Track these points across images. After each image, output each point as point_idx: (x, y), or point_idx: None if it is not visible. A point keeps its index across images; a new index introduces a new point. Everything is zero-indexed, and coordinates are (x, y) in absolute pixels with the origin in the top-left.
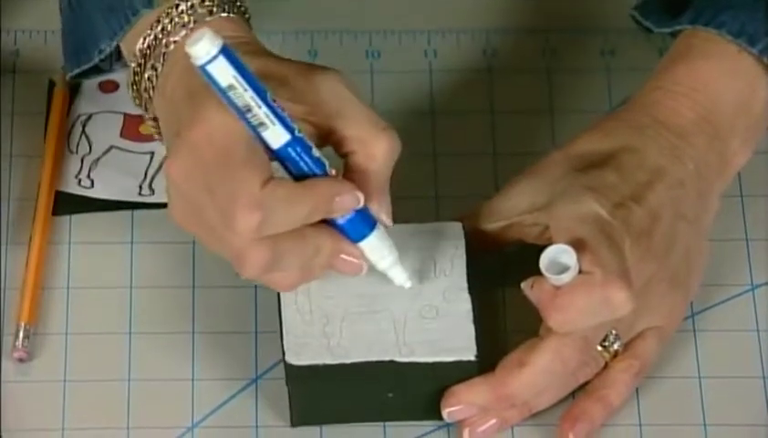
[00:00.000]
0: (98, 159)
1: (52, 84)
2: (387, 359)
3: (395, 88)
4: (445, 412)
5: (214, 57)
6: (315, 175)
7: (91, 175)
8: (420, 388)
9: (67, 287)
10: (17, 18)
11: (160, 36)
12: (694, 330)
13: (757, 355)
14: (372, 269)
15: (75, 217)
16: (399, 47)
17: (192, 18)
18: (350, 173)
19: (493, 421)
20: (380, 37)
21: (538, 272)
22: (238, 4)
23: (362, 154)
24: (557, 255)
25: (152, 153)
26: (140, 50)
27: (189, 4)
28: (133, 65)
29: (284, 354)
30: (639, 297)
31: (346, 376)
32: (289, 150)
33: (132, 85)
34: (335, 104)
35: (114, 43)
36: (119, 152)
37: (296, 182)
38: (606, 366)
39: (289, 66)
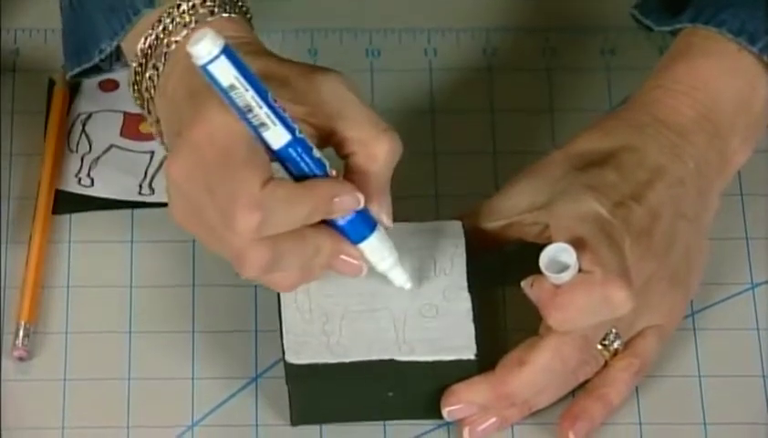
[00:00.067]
0: (98, 158)
1: (52, 83)
2: (387, 357)
3: (395, 87)
4: (445, 411)
5: (216, 57)
6: (315, 176)
7: (91, 174)
8: (420, 387)
9: (67, 286)
10: (17, 17)
11: (162, 35)
12: (694, 329)
13: (757, 354)
14: (372, 270)
15: (75, 216)
16: (399, 46)
17: (193, 18)
18: (351, 174)
19: (493, 419)
20: (380, 36)
21: (538, 271)
22: (240, 4)
23: (363, 155)
24: (557, 254)
25: (152, 152)
26: (142, 50)
27: (190, 3)
28: (134, 64)
29: (283, 353)
30: (639, 296)
31: (345, 375)
32: (290, 150)
33: (133, 84)
34: (336, 105)
35: (115, 42)
36: (119, 151)
37: (297, 182)
38: (606, 364)
39: (290, 66)
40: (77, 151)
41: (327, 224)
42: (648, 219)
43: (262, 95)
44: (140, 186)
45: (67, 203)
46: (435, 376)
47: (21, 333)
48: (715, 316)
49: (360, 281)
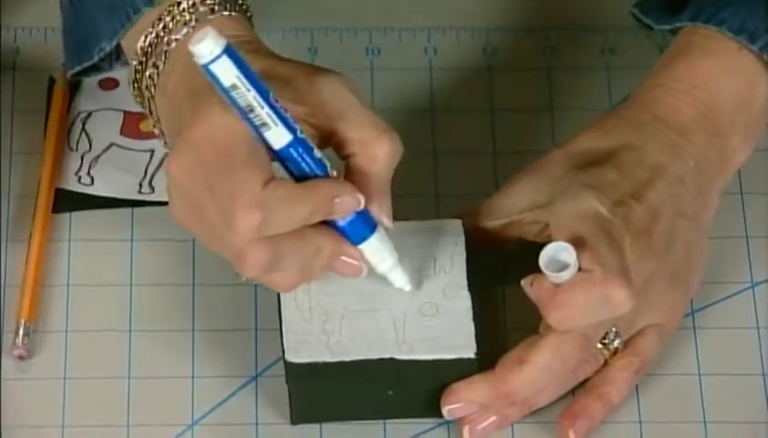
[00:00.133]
0: (98, 156)
1: (52, 81)
2: (386, 356)
3: (395, 86)
4: (445, 410)
5: (218, 57)
6: (316, 176)
7: (91, 172)
8: (420, 385)
9: (67, 285)
10: (17, 16)
11: (162, 34)
12: (694, 328)
13: (757, 352)
14: (372, 270)
15: (75, 214)
16: (399, 45)
17: (193, 16)
18: (351, 175)
19: (493, 418)
20: (380, 35)
21: (538, 270)
22: (240, 2)
23: (363, 156)
24: (557, 253)
25: (152, 151)
26: (142, 48)
27: (191, 2)
28: (135, 63)
29: (283, 352)
30: (639, 295)
31: (345, 374)
32: (291, 150)
33: (134, 83)
34: (337, 106)
35: (115, 41)
36: (119, 150)
37: (297, 182)
38: (605, 363)
39: (292, 66)
40: (77, 149)
41: (328, 224)
42: (649, 218)
43: (263, 95)
44: (140, 185)
45: (67, 201)
46: (435, 375)
47: (21, 332)
48: (715, 314)
49: (360, 280)
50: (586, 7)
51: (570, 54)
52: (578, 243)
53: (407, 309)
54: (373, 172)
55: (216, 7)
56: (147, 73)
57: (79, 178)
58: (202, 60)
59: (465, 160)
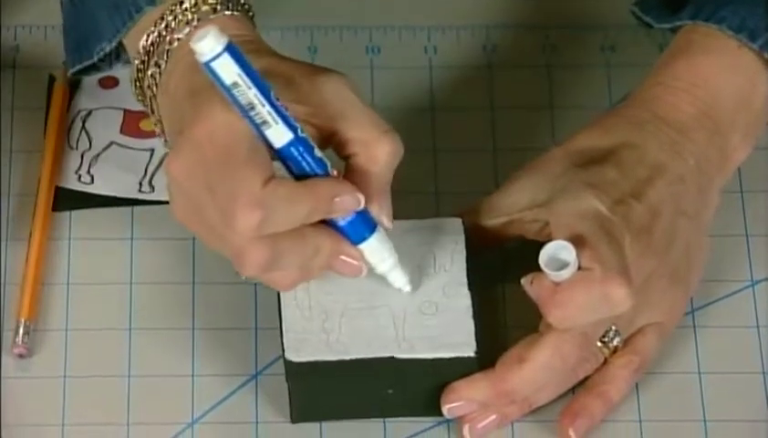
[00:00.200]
0: (98, 155)
1: (52, 79)
2: (386, 355)
3: (395, 85)
4: (445, 408)
5: (219, 55)
6: (316, 175)
7: (91, 171)
8: (420, 384)
9: (67, 283)
10: (17, 14)
11: (164, 33)
12: (694, 326)
13: (757, 351)
14: (371, 272)
15: (75, 213)
16: (399, 43)
17: (195, 16)
18: (352, 175)
19: (493, 416)
20: (380, 33)
21: (538, 268)
22: (242, 1)
23: (364, 156)
24: (557, 252)
25: (152, 150)
26: (144, 47)
27: (193, 1)
28: (136, 62)
29: (283, 351)
30: (639, 294)
31: (345, 372)
32: (292, 149)
33: (135, 82)
34: (338, 106)
35: (116, 40)
36: (119, 149)
37: (298, 181)
38: (605, 362)
39: (293, 66)
40: (77, 148)
41: (328, 224)
42: (648, 216)
43: (264, 93)
44: (140, 184)
45: (67, 200)
46: (435, 373)
47: (21, 330)
48: (715, 313)
49: (360, 279)
50: (586, 5)
51: (570, 52)
52: (578, 241)
53: (407, 307)
54: (374, 172)
55: (218, 7)
56: (149, 72)
57: (79, 176)
58: (204, 58)
59: (465, 158)
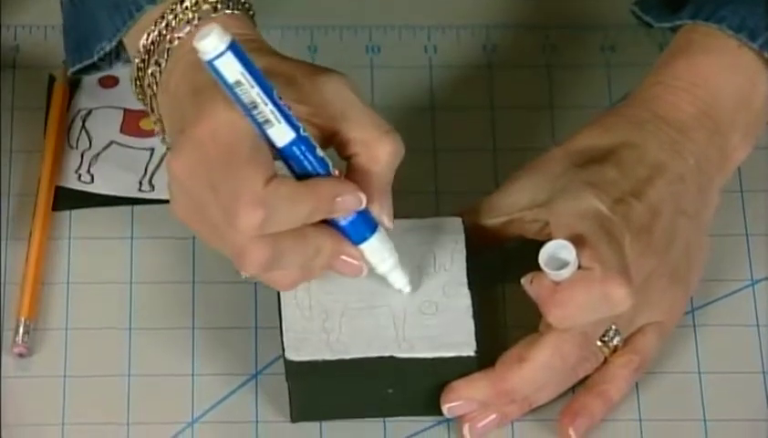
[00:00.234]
0: (98, 154)
1: (52, 79)
2: (386, 354)
3: (395, 84)
4: (445, 408)
5: (222, 53)
6: (318, 175)
7: (91, 170)
8: (420, 383)
9: (67, 283)
10: (17, 14)
11: (165, 32)
12: (694, 325)
13: (757, 350)
14: (372, 272)
15: (75, 212)
16: (399, 43)
17: (196, 15)
18: (353, 175)
19: (493, 416)
20: (380, 33)
21: (538, 268)
22: (242, 0)
23: (365, 156)
24: (557, 251)
25: (152, 149)
26: (144, 46)
27: (193, 0)
28: (137, 61)
29: (283, 350)
30: (639, 293)
31: (345, 372)
32: (294, 148)
33: (135, 81)
34: (339, 106)
35: (116, 40)
36: (119, 148)
37: (300, 180)
38: (605, 361)
39: (295, 66)
40: (77, 147)
41: (329, 223)
42: (648, 216)
43: (267, 92)
44: (140, 183)
45: (67, 199)
46: (435, 373)
47: (21, 330)
48: (715, 312)
49: (360, 279)
50: (586, 5)
51: (570, 51)
52: (578, 241)
53: (407, 307)
54: (375, 172)
55: (219, 5)
56: (149, 71)
57: (79, 176)
58: (207, 56)
59: (465, 157)
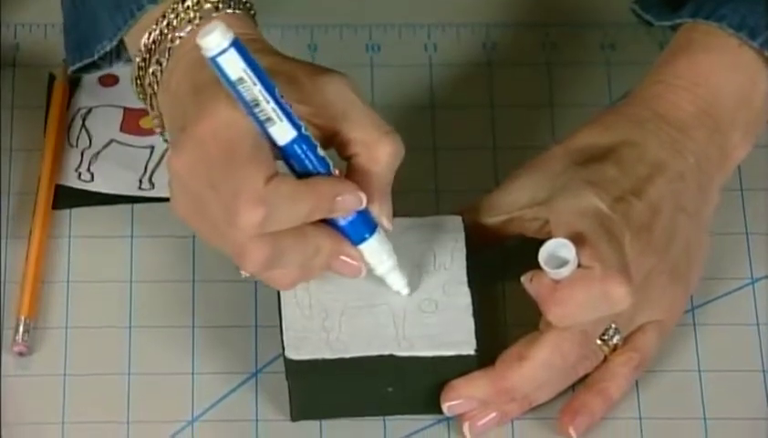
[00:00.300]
0: (98, 152)
1: (52, 77)
2: (386, 353)
3: (395, 82)
4: (445, 406)
5: (225, 50)
6: (319, 174)
7: (91, 169)
8: (420, 382)
9: (67, 281)
10: (17, 12)
11: (166, 31)
12: (694, 324)
13: (757, 349)
14: (371, 272)
15: (75, 211)
16: (399, 41)
17: (197, 14)
18: (353, 175)
19: (493, 414)
20: (380, 31)
21: (538, 266)
22: (244, 0)
23: (365, 157)
24: (556, 250)
25: (152, 147)
26: (145, 45)
27: None
28: (138, 60)
29: (283, 349)
30: (639, 291)
31: (345, 370)
32: (295, 147)
33: (136, 80)
34: (340, 106)
35: (117, 39)
36: (119, 146)
37: (300, 179)
38: (605, 359)
39: (296, 66)
40: (77, 145)
41: (328, 223)
42: (649, 214)
43: (269, 90)
44: (140, 181)
45: (67, 197)
46: (435, 371)
47: (21, 328)
48: (715, 311)
49: (360, 278)
50: (586, 3)
51: (570, 50)
52: (578, 239)
53: (406, 306)
54: (375, 173)
55: (220, 5)
56: (150, 70)
57: (79, 174)
58: (210, 53)
59: (465, 156)
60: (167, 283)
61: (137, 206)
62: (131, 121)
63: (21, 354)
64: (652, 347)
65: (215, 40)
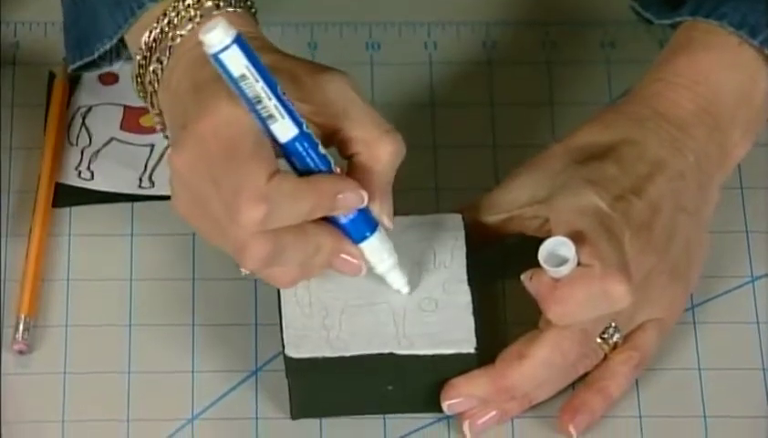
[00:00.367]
0: (98, 151)
1: (52, 76)
2: (386, 351)
3: (395, 81)
4: (445, 405)
5: (228, 46)
6: (320, 171)
7: (91, 167)
8: (420, 380)
9: (67, 279)
10: (17, 10)
11: (167, 29)
12: (694, 322)
13: (757, 347)
14: (371, 271)
15: (75, 209)
16: (399, 39)
17: (198, 12)
18: (354, 174)
19: (493, 413)
20: (380, 29)
21: (538, 264)
22: None
23: (366, 156)
24: (556, 248)
25: (152, 146)
26: (146, 43)
27: None
28: (138, 58)
29: (283, 347)
30: (639, 290)
31: (345, 369)
32: (297, 144)
33: (137, 78)
34: (341, 105)
35: (117, 37)
36: (119, 144)
37: (302, 177)
38: (605, 358)
39: (296, 64)
40: (77, 144)
41: (329, 221)
42: (649, 213)
43: (271, 87)
44: (140, 179)
45: (67, 196)
46: (435, 370)
47: (21, 326)
48: (715, 309)
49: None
50: (586, 2)
51: (570, 48)
52: (578, 237)
53: (406, 304)
54: (376, 172)
55: (221, 3)
56: (150, 68)
57: (79, 172)
58: (213, 49)
59: (465, 154)
60: (167, 281)
61: (137, 204)
62: (131, 120)
63: (21, 352)
64: (652, 345)
65: (218, 37)
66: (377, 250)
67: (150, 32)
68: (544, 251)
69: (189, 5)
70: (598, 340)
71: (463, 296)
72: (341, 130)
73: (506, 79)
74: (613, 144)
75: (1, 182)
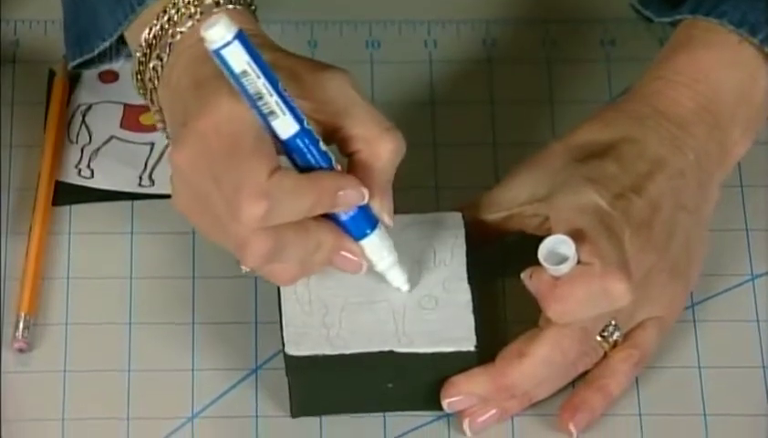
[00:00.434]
0: (98, 149)
1: (52, 74)
2: (386, 349)
3: (395, 79)
4: (445, 403)
5: (229, 43)
6: (321, 168)
7: (91, 165)
8: (420, 378)
9: (67, 278)
10: (17, 8)
11: (167, 26)
12: (694, 320)
13: (757, 345)
14: (371, 269)
15: (75, 207)
16: (399, 38)
17: (198, 9)
18: (354, 172)
19: (493, 411)
20: (380, 28)
21: (538, 262)
22: None
23: (367, 153)
24: (556, 246)
25: (152, 144)
26: (146, 40)
27: None
28: (138, 55)
29: (283, 345)
30: (639, 288)
31: (345, 366)
32: (298, 141)
33: (137, 75)
34: (341, 103)
35: (117, 34)
36: (119, 143)
37: (303, 173)
38: (605, 356)
39: (297, 61)
40: (77, 142)
41: (329, 219)
42: (648, 211)
43: (273, 83)
44: (140, 178)
45: (67, 194)
46: (435, 368)
47: (21, 325)
48: (715, 307)
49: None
50: (586, 0)
51: (570, 46)
52: (578, 236)
53: (406, 302)
54: (376, 169)
55: (221, 0)
56: (150, 65)
57: (79, 171)
58: (214, 45)
59: (465, 152)
60: (167, 279)
61: (137, 203)
62: (131, 118)
63: (21, 351)
64: (652, 343)
65: (219, 33)
66: (377, 248)
67: (150, 29)
68: (544, 249)
69: (189, 2)
70: (598, 338)
71: (463, 294)
72: (342, 127)
73: (506, 77)
74: (613, 142)
75: (1, 180)
